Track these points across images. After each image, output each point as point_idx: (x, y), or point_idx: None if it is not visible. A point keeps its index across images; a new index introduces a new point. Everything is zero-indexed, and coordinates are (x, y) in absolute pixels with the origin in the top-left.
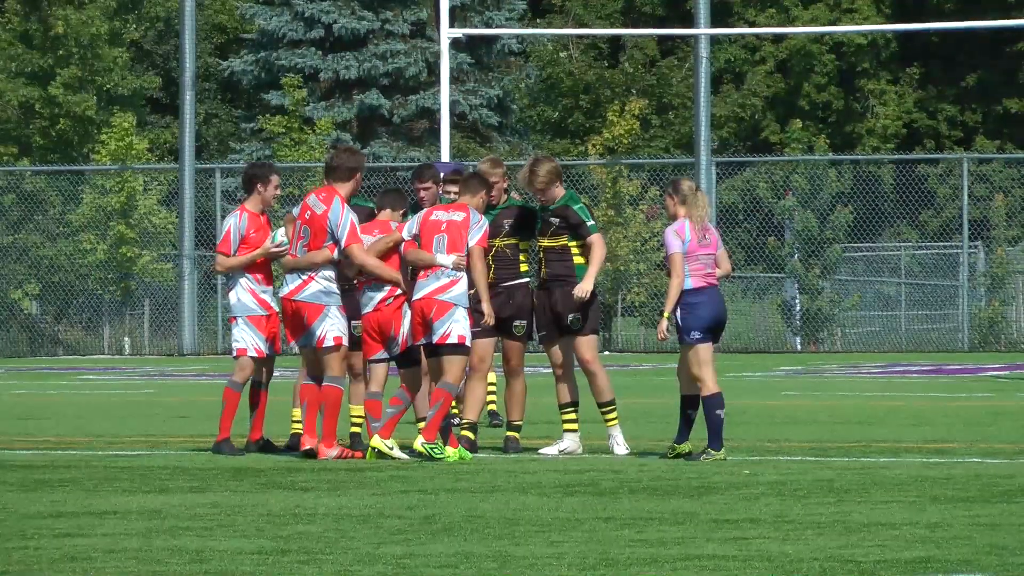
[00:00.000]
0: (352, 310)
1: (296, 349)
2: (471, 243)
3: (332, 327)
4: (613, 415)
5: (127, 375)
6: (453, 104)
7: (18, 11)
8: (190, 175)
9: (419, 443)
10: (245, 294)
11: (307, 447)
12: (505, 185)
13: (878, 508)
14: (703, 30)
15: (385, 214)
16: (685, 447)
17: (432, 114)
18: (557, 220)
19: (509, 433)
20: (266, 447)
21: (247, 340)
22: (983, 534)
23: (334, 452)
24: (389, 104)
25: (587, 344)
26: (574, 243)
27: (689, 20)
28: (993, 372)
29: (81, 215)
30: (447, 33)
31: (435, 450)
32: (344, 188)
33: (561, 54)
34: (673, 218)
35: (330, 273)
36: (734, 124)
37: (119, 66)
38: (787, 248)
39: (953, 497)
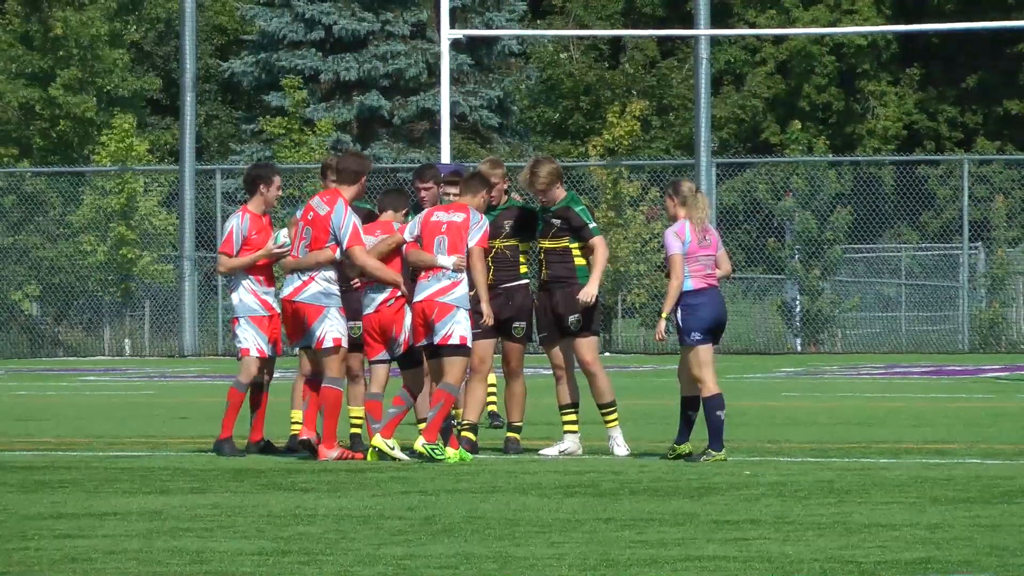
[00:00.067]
0: (351, 312)
1: (296, 350)
2: (471, 243)
3: (332, 328)
4: (613, 416)
5: (127, 376)
6: (453, 105)
7: (18, 12)
8: (190, 176)
9: (420, 444)
10: (247, 295)
11: (304, 437)
12: (505, 186)
13: (878, 509)
14: (703, 31)
15: (388, 215)
16: (686, 448)
17: (432, 115)
18: (559, 221)
19: (509, 434)
20: (267, 448)
21: (250, 340)
22: (983, 535)
23: (334, 453)
24: (389, 105)
25: (587, 345)
26: (575, 245)
27: (689, 21)
28: (993, 373)
29: (81, 216)
30: (447, 34)
31: (436, 451)
32: (349, 191)
33: (561, 55)
34: (673, 219)
35: (330, 274)
36: (734, 125)
37: (119, 67)
38: (787, 249)
39: (953, 498)
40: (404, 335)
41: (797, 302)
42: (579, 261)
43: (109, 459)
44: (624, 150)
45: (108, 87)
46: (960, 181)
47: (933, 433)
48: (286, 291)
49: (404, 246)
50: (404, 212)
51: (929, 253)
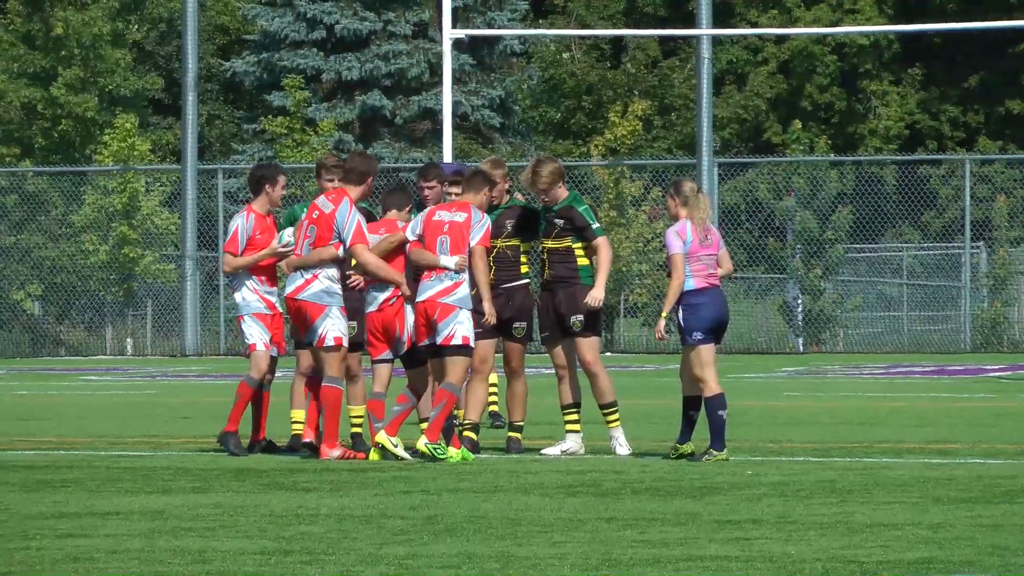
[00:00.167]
0: (351, 311)
1: (294, 350)
2: (473, 242)
3: (333, 327)
4: (615, 416)
5: (129, 376)
6: (455, 105)
7: (20, 12)
8: (192, 176)
9: (422, 443)
10: (250, 293)
11: (307, 440)
12: (507, 186)
13: (880, 509)
14: (705, 31)
15: (392, 214)
16: (687, 448)
17: (434, 115)
18: (561, 221)
19: (511, 434)
20: (269, 448)
21: (256, 334)
22: (985, 535)
23: (336, 452)
24: (391, 105)
25: (589, 345)
26: (578, 245)
27: (691, 21)
28: (995, 373)
29: (83, 216)
30: (449, 34)
31: (438, 451)
32: (355, 191)
33: (563, 55)
34: (675, 219)
35: (333, 272)
36: (736, 125)
37: (121, 67)
38: (789, 249)
39: (955, 498)
40: (407, 333)
41: (799, 302)
42: (582, 261)
43: (111, 459)
44: (626, 150)
45: (110, 87)
46: (962, 181)
47: (935, 433)
48: (289, 288)
49: (407, 244)
50: (407, 210)
51: (931, 253)
